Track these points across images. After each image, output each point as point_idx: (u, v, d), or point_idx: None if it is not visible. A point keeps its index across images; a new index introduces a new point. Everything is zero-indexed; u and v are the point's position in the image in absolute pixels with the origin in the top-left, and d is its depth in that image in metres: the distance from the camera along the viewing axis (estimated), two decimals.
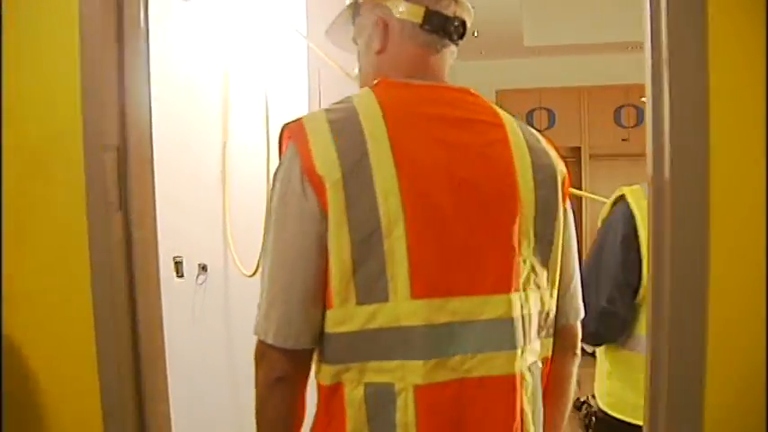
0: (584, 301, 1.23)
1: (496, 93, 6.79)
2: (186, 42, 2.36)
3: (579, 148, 6.65)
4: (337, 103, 1.09)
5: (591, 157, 6.61)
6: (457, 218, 1.03)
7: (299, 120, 1.06)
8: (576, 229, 1.22)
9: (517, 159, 1.10)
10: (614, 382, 1.86)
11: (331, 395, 1.04)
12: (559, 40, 6.09)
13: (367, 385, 1.02)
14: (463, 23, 1.16)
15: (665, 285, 1.15)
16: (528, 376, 1.10)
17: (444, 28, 1.13)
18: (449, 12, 1.13)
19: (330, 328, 1.02)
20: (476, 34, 5.61)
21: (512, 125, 1.14)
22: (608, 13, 5.82)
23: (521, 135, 1.13)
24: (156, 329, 1.35)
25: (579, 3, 5.87)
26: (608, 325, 1.79)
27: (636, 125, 6.53)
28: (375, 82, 1.13)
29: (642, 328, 1.77)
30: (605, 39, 5.99)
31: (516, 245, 1.07)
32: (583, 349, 1.28)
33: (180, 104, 2.26)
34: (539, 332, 1.13)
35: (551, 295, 1.15)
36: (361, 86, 1.17)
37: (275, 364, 1.03)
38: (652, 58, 1.17)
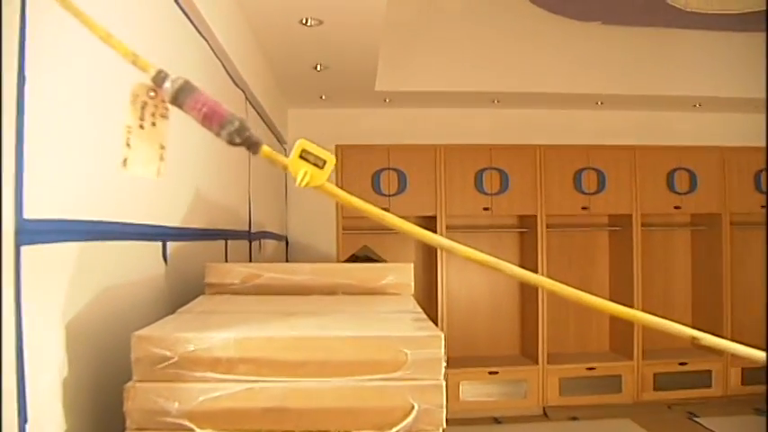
0: None
1: (337, 148, 5.61)
2: None
3: (435, 218, 5.63)
4: None
5: (447, 227, 5.61)
6: None
7: None
8: None
9: None
10: None
11: None
12: (415, 87, 5.09)
13: None
14: None
15: None
16: None
17: None
18: None
19: None
20: (318, 68, 4.45)
21: None
22: (473, 63, 4.96)
23: None
24: None
25: (442, 48, 4.96)
26: None
27: (499, 192, 5.67)
28: None
29: None
30: (467, 88, 5.09)
31: None
32: None
33: None
34: None
35: None
36: None
37: None
38: None
